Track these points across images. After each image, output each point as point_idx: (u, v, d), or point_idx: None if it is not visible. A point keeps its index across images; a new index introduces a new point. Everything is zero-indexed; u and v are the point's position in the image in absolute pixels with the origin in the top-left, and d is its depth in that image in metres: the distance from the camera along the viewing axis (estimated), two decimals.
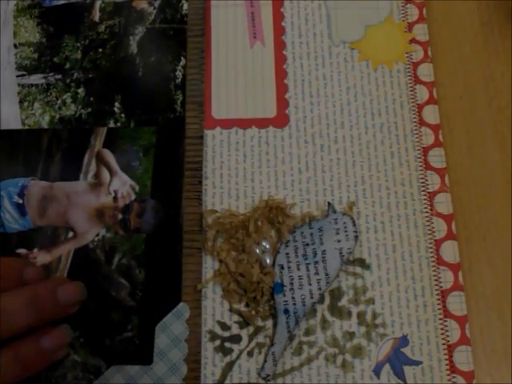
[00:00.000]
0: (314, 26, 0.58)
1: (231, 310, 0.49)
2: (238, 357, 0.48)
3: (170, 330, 0.48)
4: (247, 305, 0.49)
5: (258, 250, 0.50)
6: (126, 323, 0.48)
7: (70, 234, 0.51)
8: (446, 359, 0.48)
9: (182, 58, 0.56)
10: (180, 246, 0.50)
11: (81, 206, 0.52)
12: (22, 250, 0.50)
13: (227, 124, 0.55)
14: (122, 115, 0.55)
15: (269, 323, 0.49)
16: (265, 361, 0.47)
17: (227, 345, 0.48)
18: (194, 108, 0.55)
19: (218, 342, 0.48)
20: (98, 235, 0.51)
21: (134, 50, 0.57)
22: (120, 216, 0.51)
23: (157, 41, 0.57)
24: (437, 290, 0.49)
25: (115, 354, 0.48)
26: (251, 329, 0.49)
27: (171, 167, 0.53)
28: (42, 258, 0.50)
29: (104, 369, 0.47)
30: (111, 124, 0.54)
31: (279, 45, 0.58)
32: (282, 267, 0.49)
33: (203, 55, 0.57)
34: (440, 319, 0.49)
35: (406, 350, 0.48)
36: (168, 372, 0.47)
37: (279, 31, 0.58)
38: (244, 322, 0.49)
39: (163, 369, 0.47)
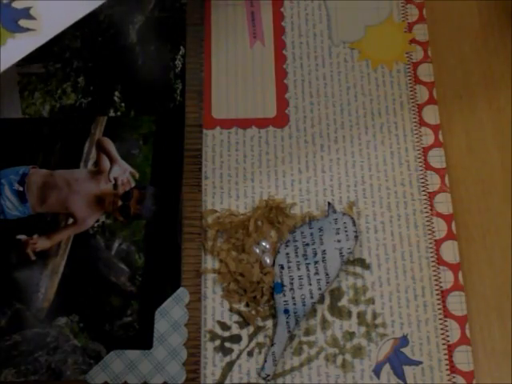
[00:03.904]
0: (314, 26, 0.58)
1: (231, 310, 0.49)
2: (238, 357, 0.48)
3: (170, 315, 0.48)
4: (247, 305, 0.49)
5: (257, 250, 0.50)
6: (125, 308, 0.49)
7: (70, 221, 0.51)
8: (446, 359, 0.48)
9: (182, 47, 0.57)
10: (179, 231, 0.51)
11: (81, 193, 0.52)
12: (22, 236, 0.51)
13: (227, 124, 0.55)
14: (122, 104, 0.55)
15: (269, 323, 0.49)
16: (265, 361, 0.47)
17: (227, 345, 0.48)
18: (194, 97, 0.55)
19: (218, 342, 0.48)
20: (97, 221, 0.51)
21: (133, 39, 0.57)
22: (120, 203, 0.52)
23: (156, 30, 0.58)
24: (437, 290, 0.49)
25: (115, 338, 0.48)
26: (251, 329, 0.49)
27: (171, 155, 0.53)
28: (41, 243, 0.51)
29: (104, 353, 0.47)
30: (111, 113, 0.55)
31: (279, 45, 0.58)
32: (282, 267, 0.49)
33: (202, 44, 0.57)
34: (440, 319, 0.49)
35: (406, 350, 0.48)
36: (168, 357, 0.47)
37: (279, 31, 0.58)
38: (244, 322, 0.49)
39: (163, 353, 0.47)
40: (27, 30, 0.42)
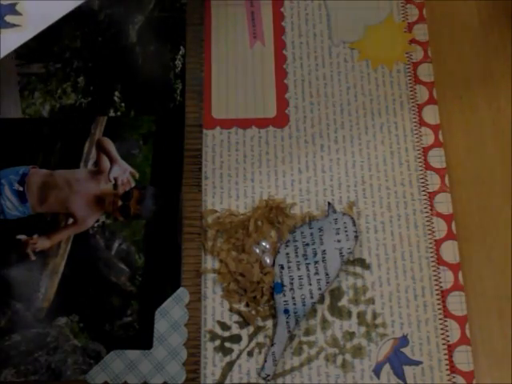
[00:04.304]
0: (314, 26, 0.58)
1: (231, 310, 0.49)
2: (238, 357, 0.48)
3: (170, 315, 0.48)
4: (247, 305, 0.49)
5: (257, 250, 0.50)
6: (125, 308, 0.49)
7: (70, 221, 0.51)
8: (446, 359, 0.48)
9: (182, 47, 0.57)
10: (179, 231, 0.51)
11: (81, 193, 0.52)
12: (22, 236, 0.51)
13: (227, 124, 0.55)
14: (122, 104, 0.55)
15: (269, 323, 0.49)
16: (265, 361, 0.47)
17: (227, 345, 0.48)
18: (194, 97, 0.55)
19: (218, 342, 0.48)
20: (97, 221, 0.51)
21: (133, 39, 0.57)
22: (120, 203, 0.52)
23: (156, 30, 0.58)
24: (437, 290, 0.49)
25: (115, 338, 0.48)
26: (251, 329, 0.49)
27: (171, 155, 0.53)
28: (41, 243, 0.51)
29: (104, 353, 0.47)
30: (111, 113, 0.55)
31: (279, 45, 0.58)
32: (282, 267, 0.49)
33: (202, 44, 0.57)
34: (440, 319, 0.49)
35: (406, 350, 0.48)
36: (168, 356, 0.47)
37: (279, 31, 0.58)
38: (244, 322, 0.49)
39: (163, 353, 0.47)
40: (13, 25, 0.42)
